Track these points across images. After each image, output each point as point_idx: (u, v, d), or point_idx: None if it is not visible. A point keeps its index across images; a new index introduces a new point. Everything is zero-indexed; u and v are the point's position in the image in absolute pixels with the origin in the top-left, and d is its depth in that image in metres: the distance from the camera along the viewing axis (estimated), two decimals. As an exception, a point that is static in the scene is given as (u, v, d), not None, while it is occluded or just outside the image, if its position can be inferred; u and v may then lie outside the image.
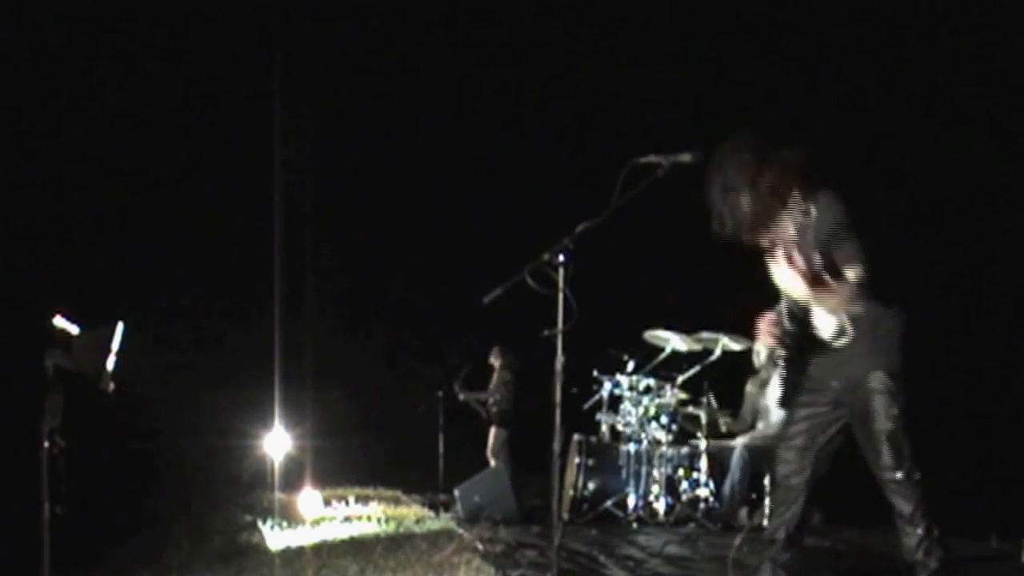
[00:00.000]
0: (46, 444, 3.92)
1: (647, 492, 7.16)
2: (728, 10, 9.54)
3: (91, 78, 9.55)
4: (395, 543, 5.63)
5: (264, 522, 6.66)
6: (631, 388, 7.37)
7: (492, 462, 8.88)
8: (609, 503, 7.13)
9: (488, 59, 11.05)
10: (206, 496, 8.14)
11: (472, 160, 11.49)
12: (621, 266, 9.80)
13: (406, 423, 10.00)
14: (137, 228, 10.21)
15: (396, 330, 12.68)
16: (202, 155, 10.52)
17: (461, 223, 11.77)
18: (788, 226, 3.63)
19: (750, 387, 7.35)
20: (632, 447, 7.25)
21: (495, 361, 9.22)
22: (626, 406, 7.37)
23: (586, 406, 7.59)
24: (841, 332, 3.72)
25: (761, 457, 6.58)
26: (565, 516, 6.96)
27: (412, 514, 7.37)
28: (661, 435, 7.27)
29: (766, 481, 6.42)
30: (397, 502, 8.33)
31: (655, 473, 7.18)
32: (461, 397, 9.32)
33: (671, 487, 7.18)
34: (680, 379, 7.42)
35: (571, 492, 7.18)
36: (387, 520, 6.90)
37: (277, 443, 7.88)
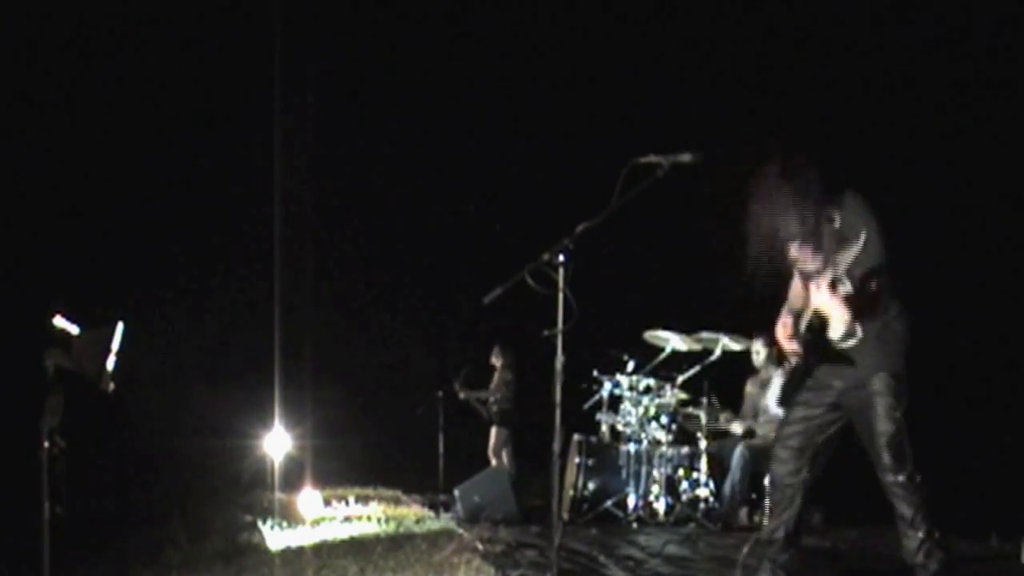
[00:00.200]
0: (46, 444, 3.92)
1: (647, 492, 7.17)
2: (729, 10, 9.54)
3: (91, 78, 9.55)
4: (395, 543, 5.63)
5: (264, 522, 6.66)
6: (631, 388, 7.37)
7: (492, 462, 8.88)
8: (609, 503, 7.13)
9: (488, 59, 11.05)
10: (206, 496, 8.14)
11: (472, 160, 11.50)
12: (621, 266, 9.81)
13: (406, 423, 10.00)
14: (137, 228, 10.21)
15: (396, 330, 12.69)
16: (202, 154, 10.52)
17: (461, 223, 11.79)
18: (820, 240, 3.64)
19: (750, 387, 7.35)
20: (632, 447, 7.25)
21: (496, 361, 9.22)
22: (626, 406, 7.37)
23: (586, 406, 7.59)
24: (851, 333, 3.71)
25: (761, 457, 6.58)
26: (565, 516, 6.96)
27: (412, 514, 7.37)
28: (661, 435, 7.28)
29: (766, 481, 6.41)
30: (397, 502, 8.33)
31: (655, 473, 7.18)
32: (462, 396, 9.31)
33: (671, 487, 7.18)
34: (680, 379, 7.42)
35: (571, 492, 7.18)
36: (387, 520, 6.89)
37: (277, 443, 7.87)
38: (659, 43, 10.12)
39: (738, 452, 6.90)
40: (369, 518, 7.05)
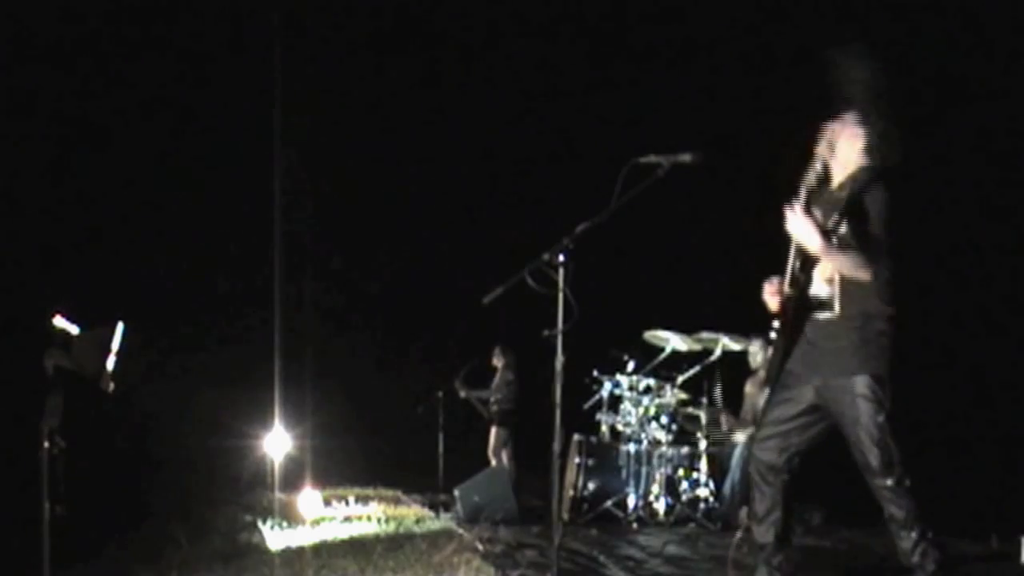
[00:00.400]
0: (46, 444, 3.92)
1: (647, 492, 7.17)
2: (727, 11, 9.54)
3: (91, 77, 9.55)
4: (395, 543, 5.63)
5: (264, 522, 6.66)
6: (631, 388, 7.37)
7: (492, 462, 8.88)
8: (609, 503, 7.13)
9: (488, 58, 11.06)
10: (206, 496, 8.14)
11: (473, 160, 11.50)
12: (621, 266, 9.81)
13: (406, 423, 10.00)
14: (137, 228, 10.21)
15: (397, 330, 12.68)
16: (203, 155, 10.52)
17: (462, 223, 11.78)
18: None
19: (749, 387, 7.35)
20: (632, 447, 7.25)
21: (497, 362, 9.21)
22: (626, 406, 7.37)
23: (586, 406, 7.59)
24: (828, 304, 3.68)
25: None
26: (565, 516, 6.96)
27: (412, 514, 7.37)
28: (661, 435, 7.28)
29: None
30: (397, 502, 8.33)
31: (655, 473, 7.18)
32: (462, 394, 9.30)
33: (671, 487, 7.18)
34: (680, 379, 7.42)
35: (571, 492, 7.18)
36: (387, 520, 6.90)
37: (277, 443, 7.88)
38: (660, 43, 10.13)
39: (738, 452, 6.90)
40: (369, 518, 7.05)
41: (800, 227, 3.59)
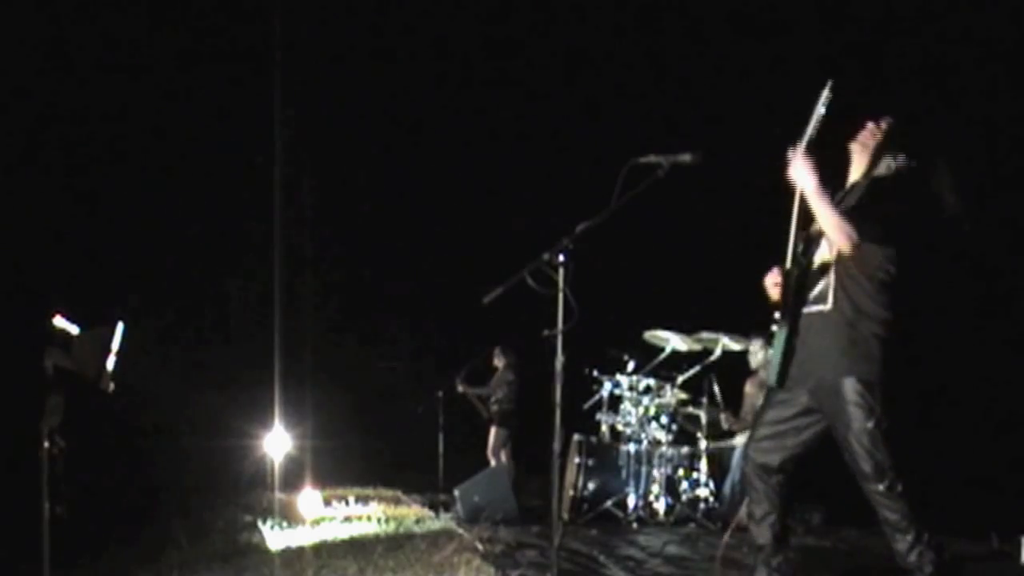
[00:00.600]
0: (46, 444, 3.92)
1: (647, 492, 7.17)
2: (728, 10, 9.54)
3: (90, 75, 9.55)
4: (395, 543, 5.63)
5: (264, 522, 6.66)
6: (631, 388, 7.37)
7: (492, 462, 8.88)
8: (609, 503, 7.12)
9: (488, 58, 11.06)
10: (206, 496, 8.14)
11: (473, 159, 11.50)
12: (621, 266, 9.81)
13: (406, 423, 10.01)
14: (137, 228, 10.21)
15: (397, 330, 12.69)
16: (203, 154, 10.52)
17: (462, 223, 11.78)
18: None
19: (749, 387, 7.35)
20: (632, 447, 7.25)
21: (498, 362, 9.21)
22: (626, 406, 7.37)
23: (586, 406, 7.59)
24: (823, 297, 3.67)
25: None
26: (565, 516, 6.95)
27: (412, 514, 7.37)
28: (661, 435, 7.27)
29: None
30: (397, 502, 8.33)
31: (655, 473, 7.18)
32: (460, 390, 9.30)
33: (671, 487, 7.18)
34: (680, 379, 7.42)
35: (571, 492, 7.17)
36: (387, 520, 6.89)
37: (277, 443, 7.87)
38: (659, 43, 10.13)
39: (738, 452, 6.90)
40: (369, 518, 7.05)
41: (798, 168, 3.59)
